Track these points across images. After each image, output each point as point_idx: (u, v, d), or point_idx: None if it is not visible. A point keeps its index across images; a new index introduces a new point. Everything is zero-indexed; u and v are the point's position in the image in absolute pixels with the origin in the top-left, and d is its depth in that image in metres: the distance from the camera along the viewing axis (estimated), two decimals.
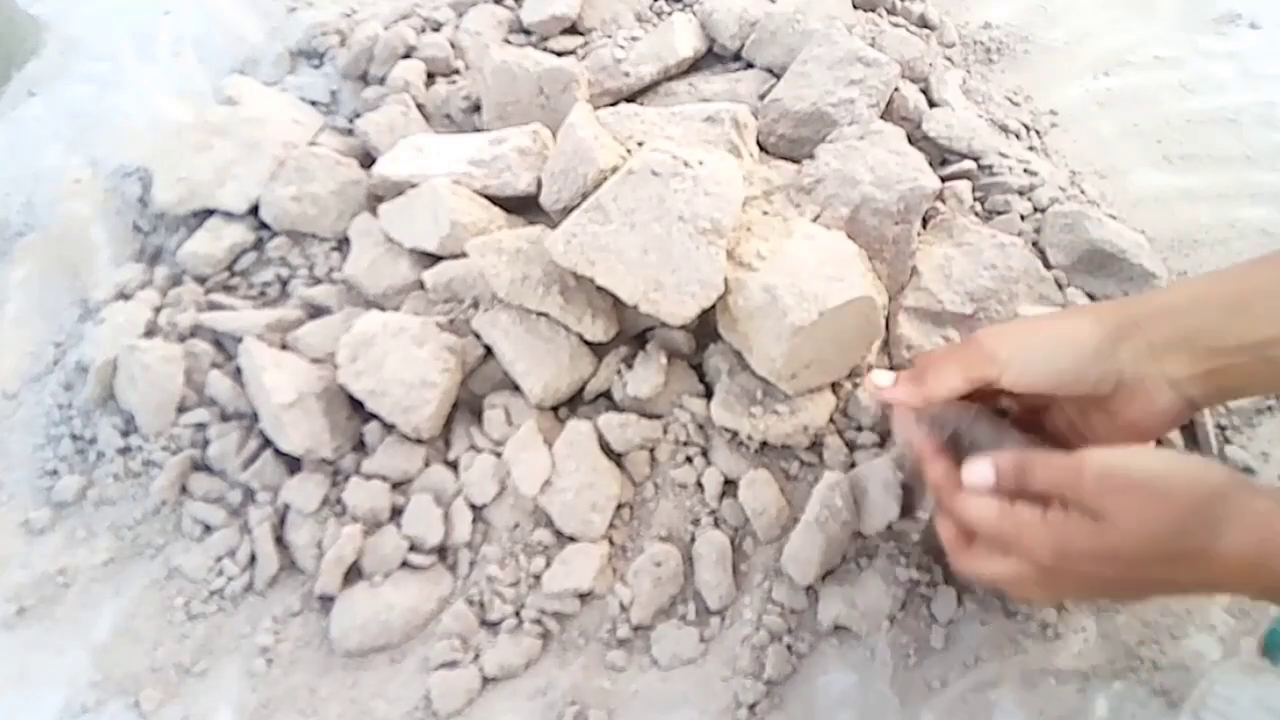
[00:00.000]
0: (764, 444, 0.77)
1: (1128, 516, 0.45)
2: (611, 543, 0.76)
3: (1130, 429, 0.54)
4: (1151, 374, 0.52)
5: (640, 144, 0.85)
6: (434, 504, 0.76)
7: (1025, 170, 0.97)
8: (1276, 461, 0.80)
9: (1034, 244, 0.90)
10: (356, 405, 0.80)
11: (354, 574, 0.75)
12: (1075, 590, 0.56)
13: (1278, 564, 0.42)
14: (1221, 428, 0.82)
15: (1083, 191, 0.99)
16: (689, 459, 0.78)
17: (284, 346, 0.85)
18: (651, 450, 0.79)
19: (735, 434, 0.77)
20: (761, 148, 0.94)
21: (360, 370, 0.78)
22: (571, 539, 0.75)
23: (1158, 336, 0.52)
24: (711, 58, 1.08)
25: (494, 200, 0.89)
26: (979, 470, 0.52)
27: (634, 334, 0.84)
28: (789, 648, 0.71)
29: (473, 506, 0.76)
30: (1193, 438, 0.80)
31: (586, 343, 0.81)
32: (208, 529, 0.80)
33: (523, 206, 0.90)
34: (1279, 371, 0.50)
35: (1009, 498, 0.51)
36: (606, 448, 0.78)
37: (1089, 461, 0.47)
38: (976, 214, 0.94)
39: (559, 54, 1.03)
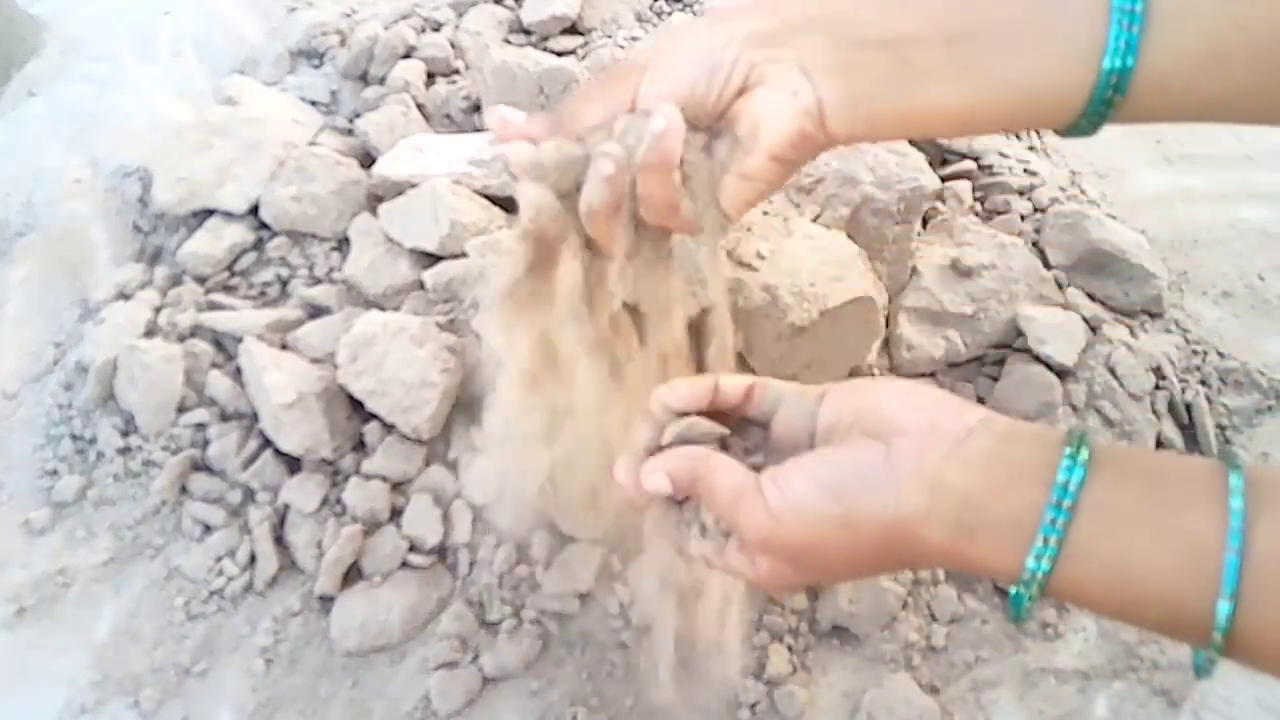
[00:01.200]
0: None
1: (816, 568, 0.43)
2: None
3: (759, 143, 0.46)
4: (784, 58, 0.45)
5: None
6: (434, 504, 0.76)
7: (1025, 170, 0.97)
8: (1276, 462, 0.80)
9: (1034, 244, 0.90)
10: (356, 405, 0.80)
11: (354, 574, 0.75)
12: (806, 587, 0.54)
13: (972, 556, 0.39)
14: (1221, 427, 0.82)
15: (1083, 191, 0.99)
16: None
17: (284, 346, 0.85)
18: None
19: None
20: None
21: (360, 370, 0.78)
22: (571, 539, 0.75)
23: (801, 16, 0.45)
24: None
25: (494, 200, 0.89)
26: (654, 480, 0.47)
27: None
28: (789, 648, 0.71)
29: (472, 506, 0.76)
30: (1193, 438, 0.80)
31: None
32: (208, 529, 0.80)
33: None
34: (910, 79, 0.43)
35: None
36: None
37: (749, 512, 0.42)
38: (976, 214, 0.94)
39: (559, 54, 1.03)
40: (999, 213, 0.93)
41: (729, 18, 0.47)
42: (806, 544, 0.41)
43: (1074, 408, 0.78)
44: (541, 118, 0.52)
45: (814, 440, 0.46)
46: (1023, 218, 0.92)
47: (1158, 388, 0.79)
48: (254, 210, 0.94)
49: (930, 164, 0.87)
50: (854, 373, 0.81)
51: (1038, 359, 0.80)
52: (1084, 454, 0.37)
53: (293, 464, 0.80)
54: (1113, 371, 0.78)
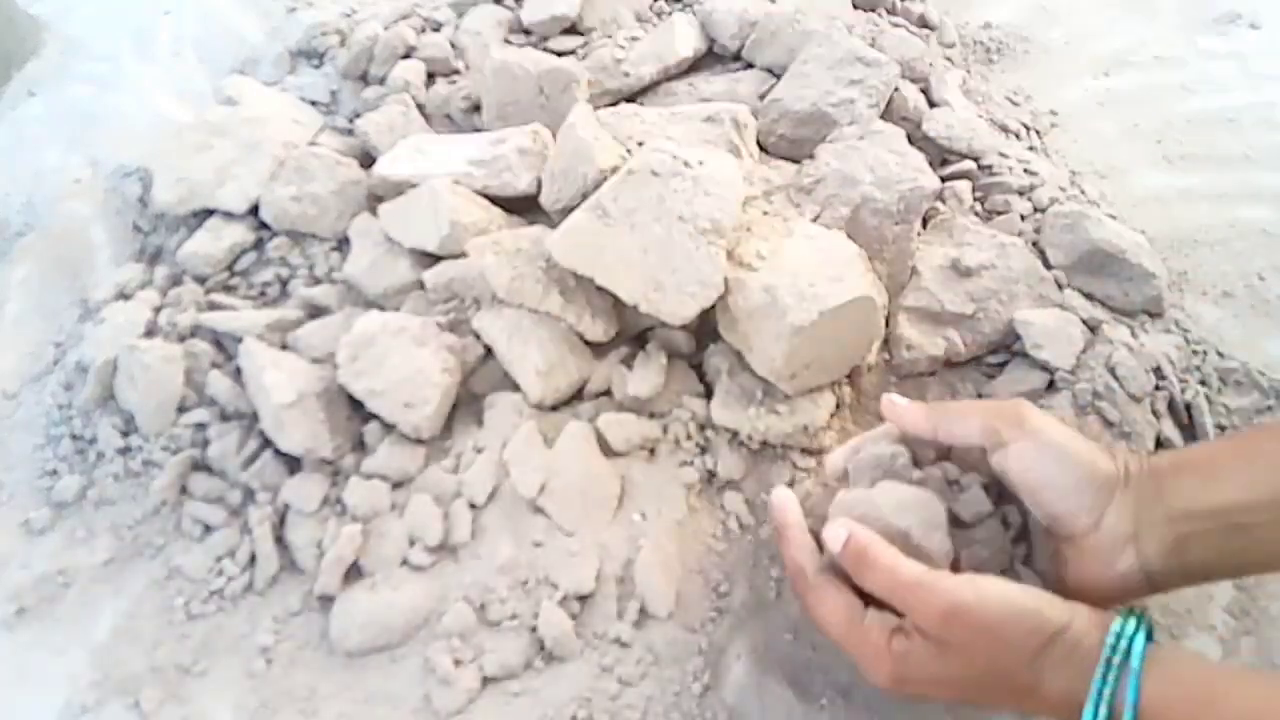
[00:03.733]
0: (764, 443, 0.77)
1: (968, 653, 0.48)
2: None
3: (1080, 580, 0.54)
4: (1124, 534, 0.52)
5: (640, 144, 0.85)
6: (434, 504, 0.76)
7: (1025, 170, 0.97)
8: None
9: (1034, 244, 0.90)
10: (356, 405, 0.80)
11: (354, 574, 0.75)
12: (918, 696, 0.57)
13: (1080, 699, 0.46)
14: (1221, 428, 0.82)
15: (1083, 191, 0.99)
16: (689, 459, 0.78)
17: (284, 346, 0.85)
18: (651, 450, 0.79)
19: (735, 433, 0.77)
20: (761, 148, 0.94)
21: (360, 370, 0.78)
22: (571, 539, 0.75)
23: (1145, 493, 0.52)
24: (711, 58, 1.08)
25: (494, 200, 0.89)
26: (834, 532, 0.54)
27: (634, 334, 0.84)
28: None
29: (472, 506, 0.76)
30: (1193, 438, 0.80)
31: (586, 342, 0.81)
32: (208, 529, 0.80)
33: (523, 206, 0.90)
34: (1244, 544, 0.49)
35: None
36: (606, 447, 0.78)
37: (938, 594, 0.48)
38: (976, 214, 0.94)
39: (559, 54, 1.03)
40: (999, 213, 0.93)
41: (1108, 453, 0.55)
42: (996, 622, 0.47)
43: (1076, 410, 0.78)
44: (921, 413, 0.61)
45: None
46: (1023, 218, 0.92)
47: (1157, 388, 0.79)
48: (254, 210, 0.94)
49: (930, 164, 0.87)
50: (854, 373, 0.81)
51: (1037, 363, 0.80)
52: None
53: (293, 464, 0.80)
54: (1113, 372, 0.78)
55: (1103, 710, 0.44)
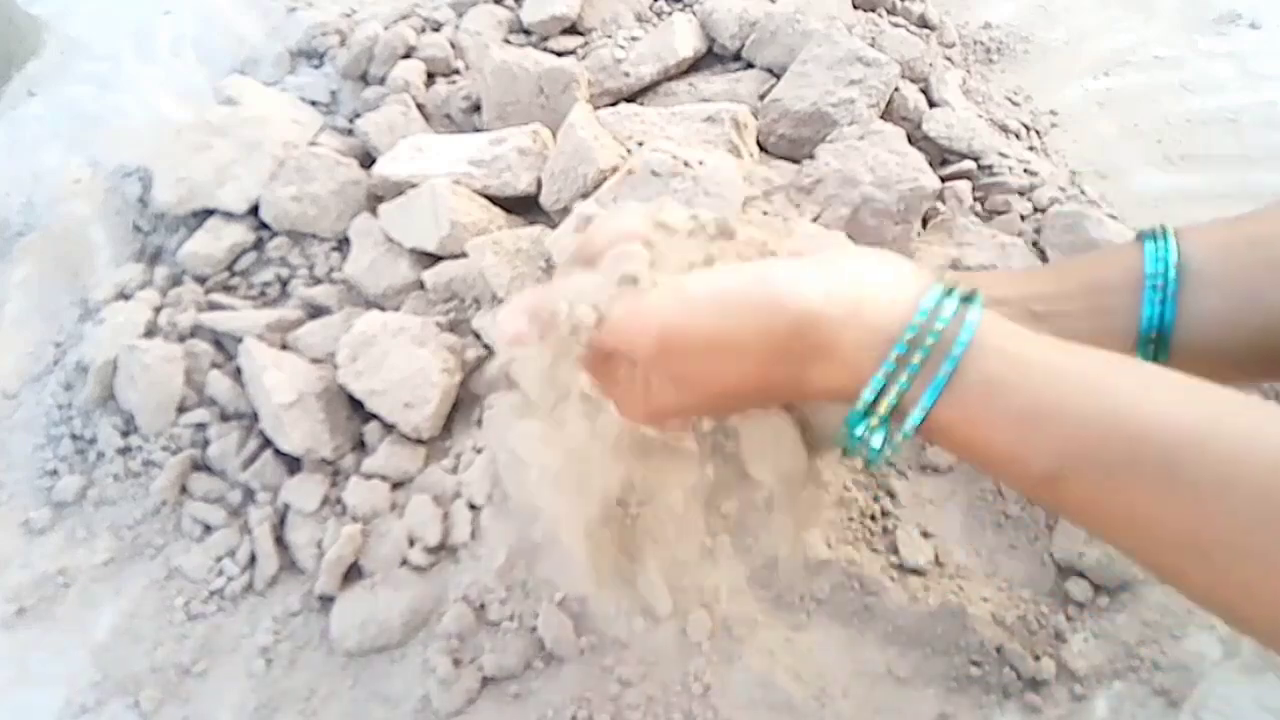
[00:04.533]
0: None
1: (704, 382, 0.38)
2: None
3: None
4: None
5: (640, 144, 0.85)
6: (434, 504, 0.76)
7: (1025, 170, 0.97)
8: None
9: (1034, 244, 0.90)
10: (356, 405, 0.80)
11: (354, 574, 0.75)
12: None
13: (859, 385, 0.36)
14: None
15: (1083, 191, 0.99)
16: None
17: (284, 346, 0.85)
18: None
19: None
20: (761, 148, 0.94)
21: (360, 370, 0.78)
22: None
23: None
24: (711, 58, 1.08)
25: (494, 200, 0.89)
26: (509, 319, 0.41)
27: None
28: None
29: (472, 506, 0.76)
30: None
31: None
32: (208, 529, 0.80)
33: (523, 206, 0.90)
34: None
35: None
36: None
37: (646, 317, 0.37)
38: (976, 214, 0.94)
39: (559, 54, 1.03)
40: (999, 213, 0.93)
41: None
42: (716, 331, 0.36)
43: None
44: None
45: None
46: (1023, 218, 0.92)
47: None
48: (254, 210, 0.94)
49: (930, 164, 0.87)
50: None
51: None
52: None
53: (293, 464, 0.80)
54: None
55: (885, 403, 0.35)
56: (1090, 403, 0.33)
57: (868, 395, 0.35)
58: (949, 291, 0.36)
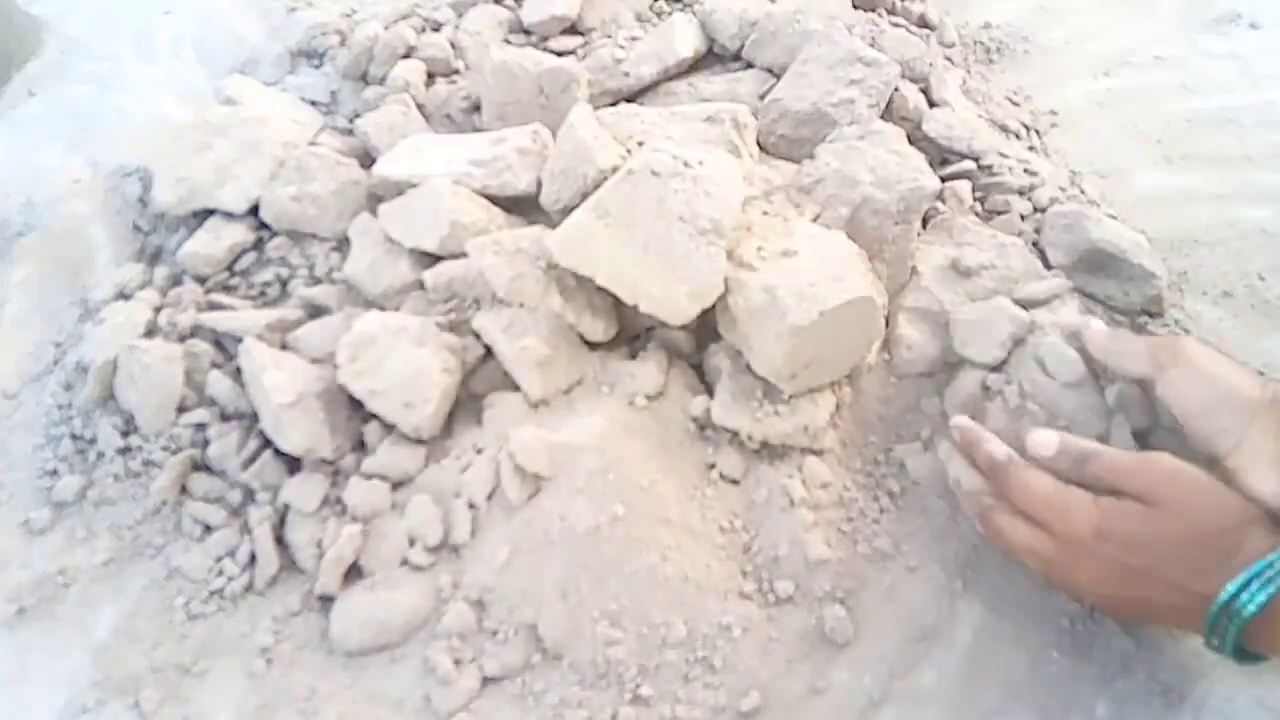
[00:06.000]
0: (764, 444, 0.77)
1: (1183, 507, 0.52)
2: None
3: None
4: (1266, 454, 0.54)
5: (640, 144, 0.85)
6: (434, 504, 0.76)
7: (1025, 170, 0.97)
8: None
9: (1034, 244, 0.90)
10: (356, 405, 0.80)
11: (354, 574, 0.75)
12: (1091, 578, 0.58)
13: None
14: None
15: (1083, 191, 0.99)
16: None
17: (284, 346, 0.85)
18: None
19: (735, 433, 0.77)
20: (761, 148, 0.94)
21: (360, 370, 0.78)
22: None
23: None
24: (711, 58, 1.08)
25: (494, 200, 0.89)
26: (1043, 437, 0.59)
27: (634, 334, 0.84)
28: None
29: (472, 506, 0.76)
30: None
31: (586, 342, 0.81)
32: (208, 529, 0.80)
33: (523, 206, 0.90)
34: None
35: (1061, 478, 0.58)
36: None
37: (1162, 460, 0.54)
38: (976, 214, 0.94)
39: (559, 54, 1.03)
40: (999, 213, 0.93)
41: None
42: (1209, 487, 0.52)
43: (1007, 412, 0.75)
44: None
45: None
46: (1023, 218, 0.92)
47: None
48: (254, 210, 0.94)
49: (930, 164, 0.87)
50: (854, 373, 0.81)
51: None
52: None
53: (293, 464, 0.80)
54: (1041, 365, 0.75)
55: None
56: None
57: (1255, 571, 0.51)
58: None
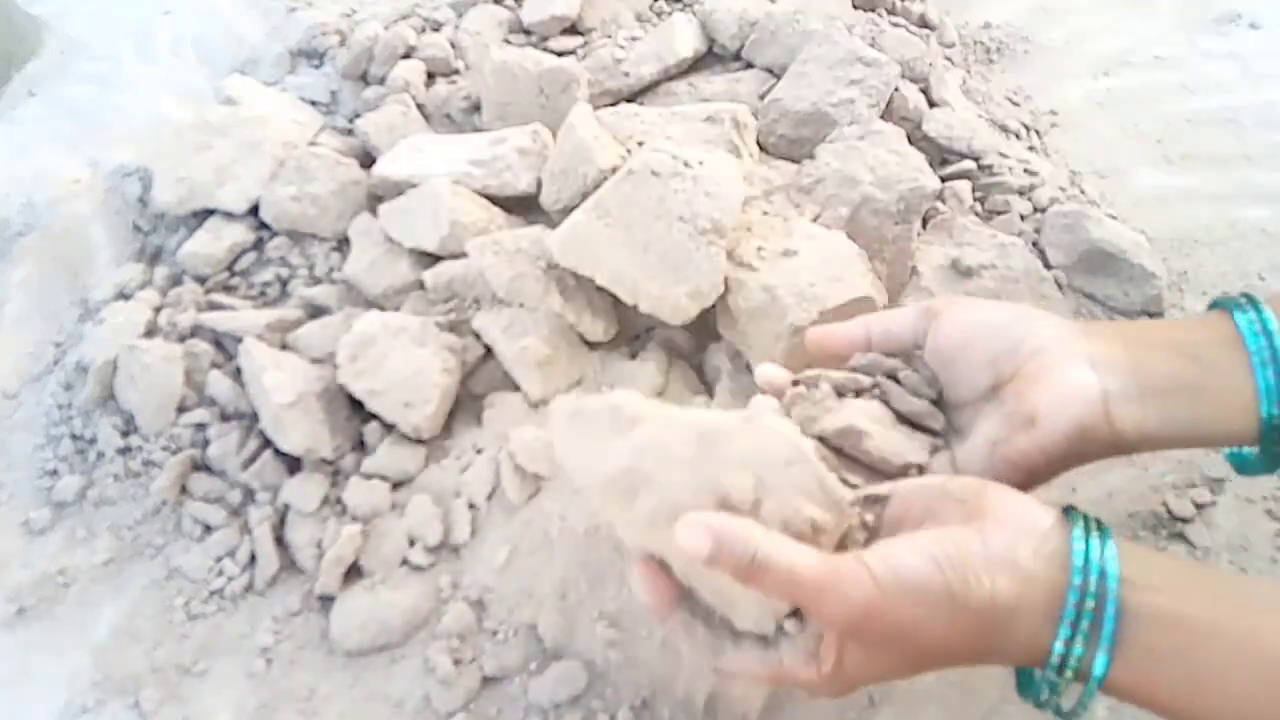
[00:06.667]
0: None
1: (893, 650, 0.41)
2: None
3: (1032, 417, 0.46)
4: (1073, 347, 0.46)
5: (640, 144, 0.85)
6: (434, 504, 0.76)
7: (1025, 170, 0.97)
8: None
9: (1034, 244, 0.90)
10: (356, 405, 0.80)
11: (354, 574, 0.75)
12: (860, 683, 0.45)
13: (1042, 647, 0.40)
14: None
15: (1083, 191, 0.99)
16: None
17: (284, 346, 0.85)
18: None
19: None
20: (761, 148, 0.94)
21: (360, 370, 0.78)
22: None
23: (1096, 327, 0.48)
24: (711, 58, 1.08)
25: (494, 200, 0.89)
26: (691, 535, 0.40)
27: (634, 334, 0.84)
28: None
29: (472, 506, 0.76)
30: None
31: (586, 342, 0.81)
32: (208, 529, 0.80)
33: (523, 206, 0.90)
34: (1206, 376, 0.45)
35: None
36: None
37: (842, 599, 0.39)
38: (976, 214, 0.94)
39: (559, 54, 1.03)
40: (999, 213, 0.93)
41: (1024, 310, 0.49)
42: (911, 622, 0.39)
43: None
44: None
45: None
46: (1023, 218, 0.92)
47: None
48: (254, 210, 0.94)
49: (930, 164, 0.87)
50: None
51: None
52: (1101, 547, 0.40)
53: (293, 464, 0.80)
54: None
55: (1067, 673, 0.39)
56: (1250, 674, 0.37)
57: (1051, 671, 0.40)
58: (1086, 534, 0.41)
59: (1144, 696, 0.40)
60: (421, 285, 0.86)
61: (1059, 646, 0.39)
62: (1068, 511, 0.42)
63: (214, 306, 0.90)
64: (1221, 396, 0.45)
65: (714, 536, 0.40)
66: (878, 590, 0.39)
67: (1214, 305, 0.49)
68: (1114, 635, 0.38)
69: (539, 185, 0.88)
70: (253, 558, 0.78)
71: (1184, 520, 0.76)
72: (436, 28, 1.11)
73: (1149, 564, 0.41)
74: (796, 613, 0.43)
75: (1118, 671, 0.39)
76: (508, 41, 1.08)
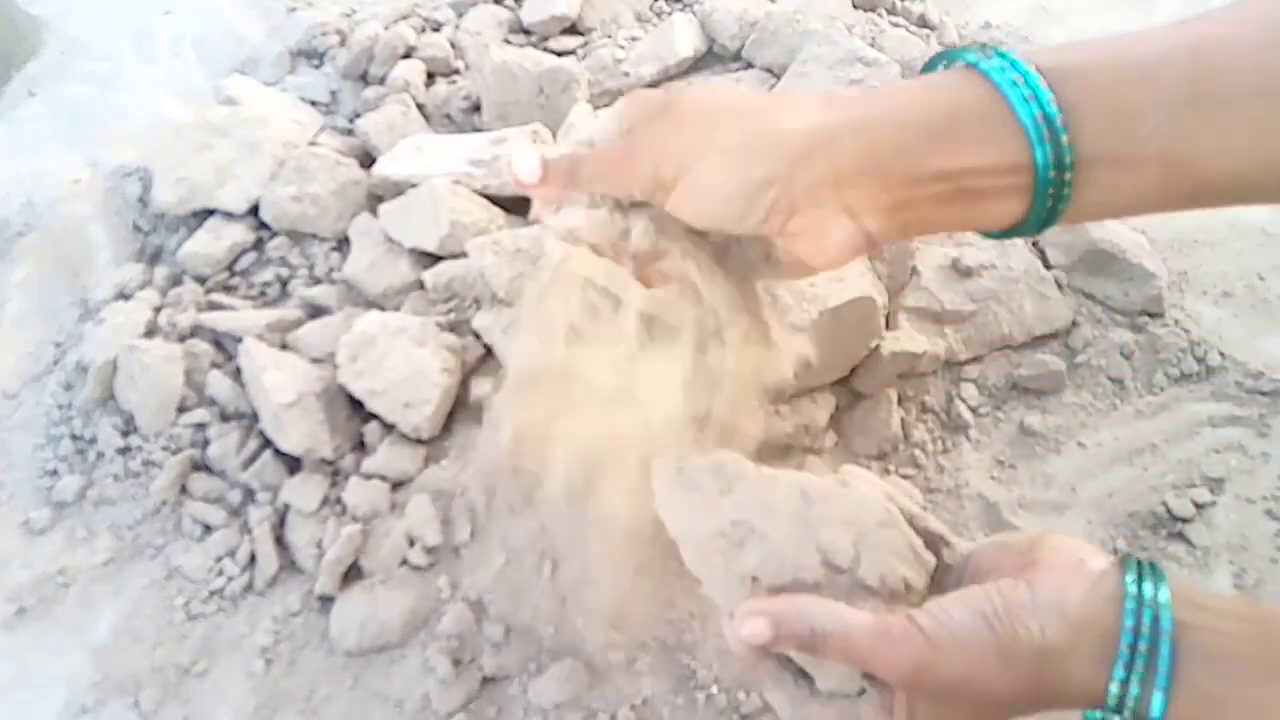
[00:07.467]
0: (764, 443, 0.77)
1: (955, 699, 0.42)
2: None
3: (802, 264, 0.44)
4: (829, 203, 0.42)
5: None
6: (434, 504, 0.76)
7: None
8: (1277, 461, 0.80)
9: (1034, 244, 0.90)
10: (356, 405, 0.80)
11: (354, 574, 0.75)
12: None
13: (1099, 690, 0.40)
14: None
15: None
16: None
17: (284, 346, 0.85)
18: None
19: None
20: None
21: (360, 370, 0.78)
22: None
23: (846, 158, 0.42)
24: (711, 58, 1.08)
25: (494, 200, 0.89)
26: (751, 625, 0.42)
27: None
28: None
29: (472, 506, 0.76)
30: None
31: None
32: (208, 529, 0.80)
33: (523, 206, 0.89)
34: (971, 207, 0.42)
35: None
36: None
37: (897, 657, 0.41)
38: None
39: (559, 54, 1.03)
40: None
41: (773, 148, 0.42)
42: (962, 676, 0.41)
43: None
44: (558, 172, 0.47)
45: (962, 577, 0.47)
46: None
47: None
48: (254, 210, 0.94)
49: None
50: (854, 371, 0.81)
51: None
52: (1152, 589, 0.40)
53: (293, 464, 0.80)
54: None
55: (1126, 713, 0.40)
56: None
57: (1111, 713, 0.40)
58: (1139, 578, 0.41)
59: None
60: (421, 285, 0.86)
61: (1114, 688, 0.39)
62: (1124, 558, 0.43)
63: (214, 306, 0.90)
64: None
65: (772, 619, 0.42)
66: (928, 645, 0.41)
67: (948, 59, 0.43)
68: (1170, 675, 0.39)
69: None
70: (253, 558, 0.78)
71: (1184, 520, 0.76)
72: (436, 28, 1.11)
73: (1204, 605, 0.41)
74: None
75: (1177, 711, 0.39)
76: (508, 41, 1.08)
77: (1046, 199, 0.41)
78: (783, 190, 0.42)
